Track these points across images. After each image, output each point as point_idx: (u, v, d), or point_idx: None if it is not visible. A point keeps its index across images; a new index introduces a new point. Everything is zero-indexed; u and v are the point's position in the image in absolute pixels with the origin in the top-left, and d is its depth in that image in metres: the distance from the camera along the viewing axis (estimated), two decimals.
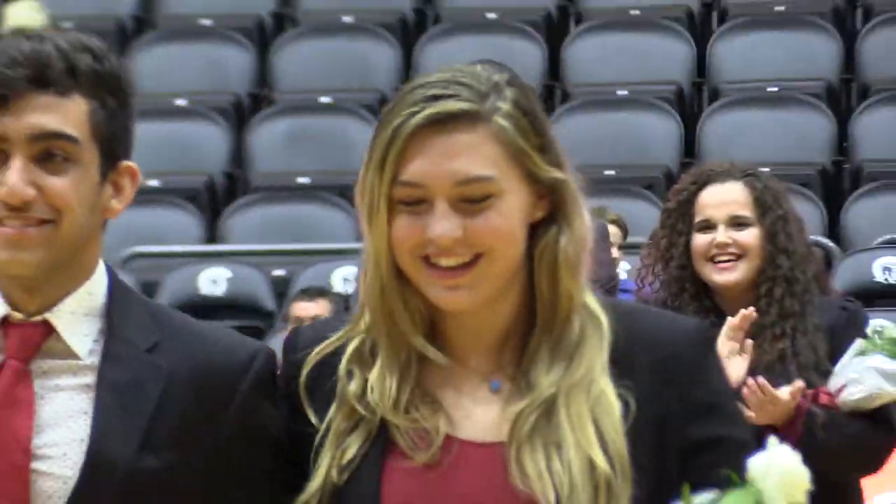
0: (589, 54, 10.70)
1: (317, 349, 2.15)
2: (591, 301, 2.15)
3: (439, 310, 2.12)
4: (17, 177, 2.06)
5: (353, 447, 2.10)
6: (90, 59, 2.12)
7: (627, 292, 6.16)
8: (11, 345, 2.13)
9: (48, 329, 2.14)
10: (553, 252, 2.12)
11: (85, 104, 2.11)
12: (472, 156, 2.08)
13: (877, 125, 9.91)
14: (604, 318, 2.13)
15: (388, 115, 2.12)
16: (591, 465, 2.05)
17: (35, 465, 2.08)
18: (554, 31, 10.79)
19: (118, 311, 2.20)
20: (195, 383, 2.16)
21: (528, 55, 10.38)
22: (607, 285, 4.64)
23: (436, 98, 2.07)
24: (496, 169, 2.07)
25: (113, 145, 2.15)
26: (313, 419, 2.12)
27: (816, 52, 10.61)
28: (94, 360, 2.15)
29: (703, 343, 2.21)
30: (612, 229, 7.51)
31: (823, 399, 4.17)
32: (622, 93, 10.35)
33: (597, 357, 2.12)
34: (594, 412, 2.09)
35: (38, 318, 2.14)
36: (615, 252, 7.52)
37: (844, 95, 10.45)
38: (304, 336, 2.24)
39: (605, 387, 2.09)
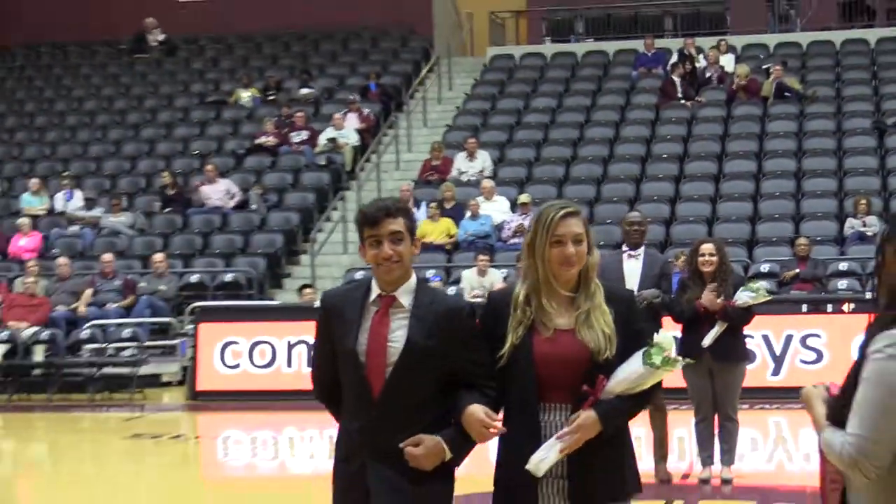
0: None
1: (502, 292, 4.18)
2: (598, 280, 4.14)
3: (559, 279, 4.06)
4: (387, 248, 4.03)
5: (519, 331, 4.10)
6: (402, 204, 4.12)
7: (678, 274, 10.95)
8: (382, 304, 4.12)
9: (394, 298, 4.12)
10: (588, 261, 4.11)
11: (403, 219, 4.08)
12: (578, 226, 4.10)
13: (770, 230, 17.55)
14: (601, 286, 4.11)
15: (542, 213, 4.12)
16: (604, 333, 4.09)
17: (388, 344, 4.15)
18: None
19: (419, 290, 4.18)
20: (445, 314, 4.14)
21: None
22: (659, 278, 9.45)
23: (563, 207, 4.10)
24: (583, 231, 4.10)
25: (412, 232, 4.06)
26: (502, 322, 4.12)
27: None
28: (410, 307, 4.15)
29: (633, 298, 4.26)
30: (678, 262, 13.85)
31: (731, 304, 9.40)
32: None
33: (601, 297, 4.13)
34: (602, 316, 4.11)
35: (392, 293, 4.11)
36: (676, 268, 12.76)
37: (755, 218, 18.11)
38: (497, 290, 4.60)
39: (606, 307, 4.12)
